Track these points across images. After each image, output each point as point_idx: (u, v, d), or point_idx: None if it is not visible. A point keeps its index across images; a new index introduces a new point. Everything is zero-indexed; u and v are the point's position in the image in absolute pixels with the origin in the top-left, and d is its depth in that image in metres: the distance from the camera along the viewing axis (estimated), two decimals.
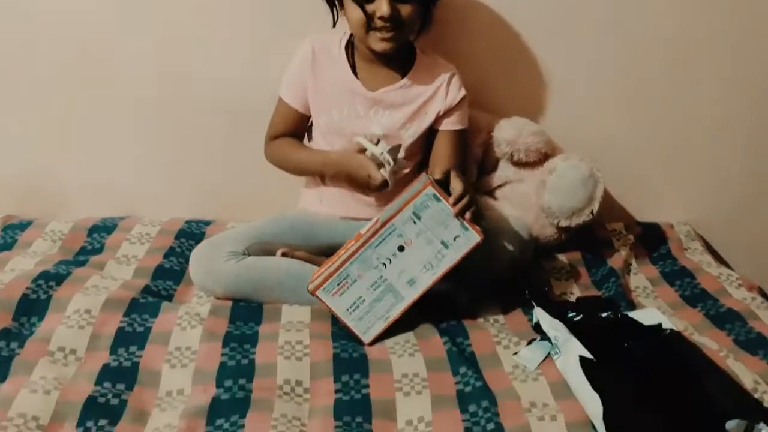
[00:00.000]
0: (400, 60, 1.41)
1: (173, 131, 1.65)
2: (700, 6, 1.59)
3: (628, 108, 1.67)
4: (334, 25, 1.43)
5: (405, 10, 1.29)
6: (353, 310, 1.20)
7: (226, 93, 1.60)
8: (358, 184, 1.38)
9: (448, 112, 1.43)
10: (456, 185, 1.19)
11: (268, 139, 1.49)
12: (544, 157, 1.53)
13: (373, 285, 1.20)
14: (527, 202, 1.51)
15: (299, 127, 1.47)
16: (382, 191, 1.33)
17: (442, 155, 1.42)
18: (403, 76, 1.42)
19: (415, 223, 1.18)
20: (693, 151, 1.72)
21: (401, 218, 1.18)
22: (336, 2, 1.39)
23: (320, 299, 1.21)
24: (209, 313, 1.24)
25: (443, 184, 1.21)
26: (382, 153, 1.28)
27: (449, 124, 1.43)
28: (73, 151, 1.66)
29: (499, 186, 1.57)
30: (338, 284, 1.20)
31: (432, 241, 1.19)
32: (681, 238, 1.66)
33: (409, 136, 1.42)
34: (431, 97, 1.42)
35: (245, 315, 1.26)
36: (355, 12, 1.30)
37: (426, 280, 1.20)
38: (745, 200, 1.79)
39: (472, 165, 1.57)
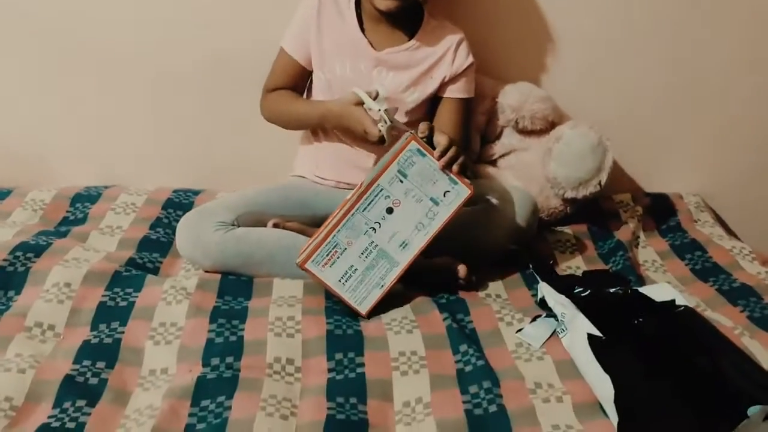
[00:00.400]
0: (407, 21, 1.36)
1: (161, 96, 1.57)
2: None
3: (635, 75, 1.60)
4: None
5: None
6: (345, 281, 1.14)
7: (217, 54, 1.53)
8: (356, 137, 1.31)
9: (453, 79, 1.37)
10: (440, 138, 1.14)
11: (265, 92, 1.42)
12: (550, 126, 1.46)
13: (364, 252, 1.14)
14: (532, 171, 1.44)
15: (299, 81, 1.40)
16: (381, 146, 1.25)
17: (444, 123, 1.36)
18: (410, 38, 1.36)
19: (401, 181, 1.13)
20: (701, 118, 1.66)
21: (387, 178, 1.12)
22: None
23: (310, 272, 1.14)
24: (196, 287, 1.17)
25: (428, 142, 1.15)
26: (379, 110, 1.22)
27: (454, 92, 1.38)
28: (55, 116, 1.59)
29: (503, 155, 1.50)
30: (327, 254, 1.14)
31: (421, 199, 1.13)
32: (691, 209, 1.60)
33: (412, 100, 1.36)
34: (437, 62, 1.36)
35: (234, 289, 1.20)
36: None
37: (419, 241, 1.14)
38: (756, 169, 1.72)
39: (475, 133, 1.49)
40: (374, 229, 1.14)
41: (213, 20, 1.51)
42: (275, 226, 1.28)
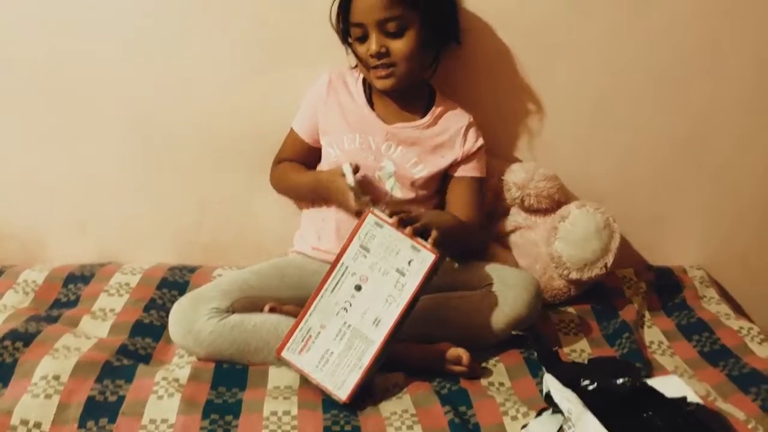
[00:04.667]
0: (417, 100, 1.40)
1: (158, 169, 1.56)
2: (705, 35, 1.52)
3: (636, 147, 1.60)
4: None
5: (397, 45, 1.28)
6: (323, 366, 1.11)
7: (214, 130, 1.53)
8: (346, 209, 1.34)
9: (465, 159, 1.39)
10: (400, 208, 1.18)
11: (274, 164, 1.49)
12: (556, 204, 1.45)
13: (339, 333, 1.11)
14: (536, 250, 1.42)
15: (306, 157, 1.45)
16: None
17: (456, 202, 1.39)
18: (422, 116, 1.39)
19: (365, 256, 1.12)
20: (702, 189, 1.64)
21: (350, 255, 1.12)
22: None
23: (287, 361, 1.12)
24: (189, 378, 1.13)
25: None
26: (352, 186, 1.24)
27: (465, 171, 1.40)
28: (49, 191, 1.56)
29: (508, 233, 1.48)
30: (302, 340, 1.11)
31: (388, 272, 1.11)
32: (696, 284, 1.57)
33: (421, 176, 1.37)
34: (446, 144, 1.38)
35: (228, 379, 1.15)
36: (354, 51, 1.32)
37: (391, 316, 1.11)
38: (759, 240, 1.70)
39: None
40: (345, 309, 1.12)
41: (211, 96, 1.51)
42: (271, 310, 1.25)
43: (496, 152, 1.52)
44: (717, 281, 1.65)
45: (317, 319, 1.12)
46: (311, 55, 1.45)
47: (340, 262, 1.12)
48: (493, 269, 1.31)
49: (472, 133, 1.39)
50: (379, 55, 1.28)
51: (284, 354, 1.12)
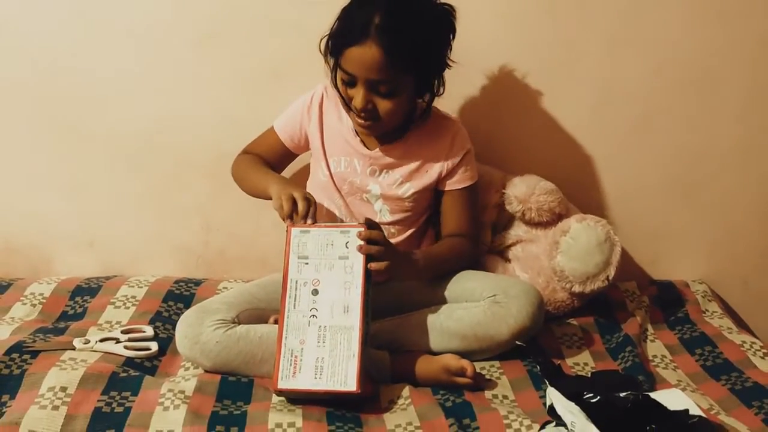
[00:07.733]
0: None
1: (165, 187, 1.59)
2: (710, 49, 1.55)
3: (638, 161, 1.62)
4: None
5: (384, 105, 1.25)
6: (320, 374, 1.12)
7: (222, 147, 1.54)
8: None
9: (451, 172, 1.37)
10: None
11: (242, 151, 1.45)
12: (557, 218, 1.46)
13: (320, 339, 1.14)
14: (538, 263, 1.43)
15: (277, 158, 1.43)
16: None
17: (450, 216, 1.38)
18: (403, 134, 1.36)
19: (306, 264, 1.17)
20: (704, 204, 1.66)
21: (293, 269, 1.17)
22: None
23: (288, 390, 1.13)
24: (195, 390, 1.14)
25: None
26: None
27: (454, 184, 1.38)
28: (55, 206, 1.59)
29: (510, 245, 1.49)
30: (291, 365, 1.13)
31: (333, 264, 1.17)
32: (698, 299, 1.58)
33: (409, 195, 1.37)
34: (432, 156, 1.36)
35: (234, 391, 1.16)
36: (341, 89, 1.27)
37: (356, 297, 1.15)
38: (761, 255, 1.71)
39: (487, 225, 1.49)
40: (314, 315, 1.15)
41: (216, 114, 1.54)
42: (276, 322, 1.26)
43: (497, 164, 1.53)
44: (719, 295, 1.66)
45: (294, 338, 1.14)
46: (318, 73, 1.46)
47: (288, 279, 1.16)
48: (495, 280, 1.32)
49: (457, 141, 1.36)
50: (364, 110, 1.24)
51: (280, 385, 1.12)
